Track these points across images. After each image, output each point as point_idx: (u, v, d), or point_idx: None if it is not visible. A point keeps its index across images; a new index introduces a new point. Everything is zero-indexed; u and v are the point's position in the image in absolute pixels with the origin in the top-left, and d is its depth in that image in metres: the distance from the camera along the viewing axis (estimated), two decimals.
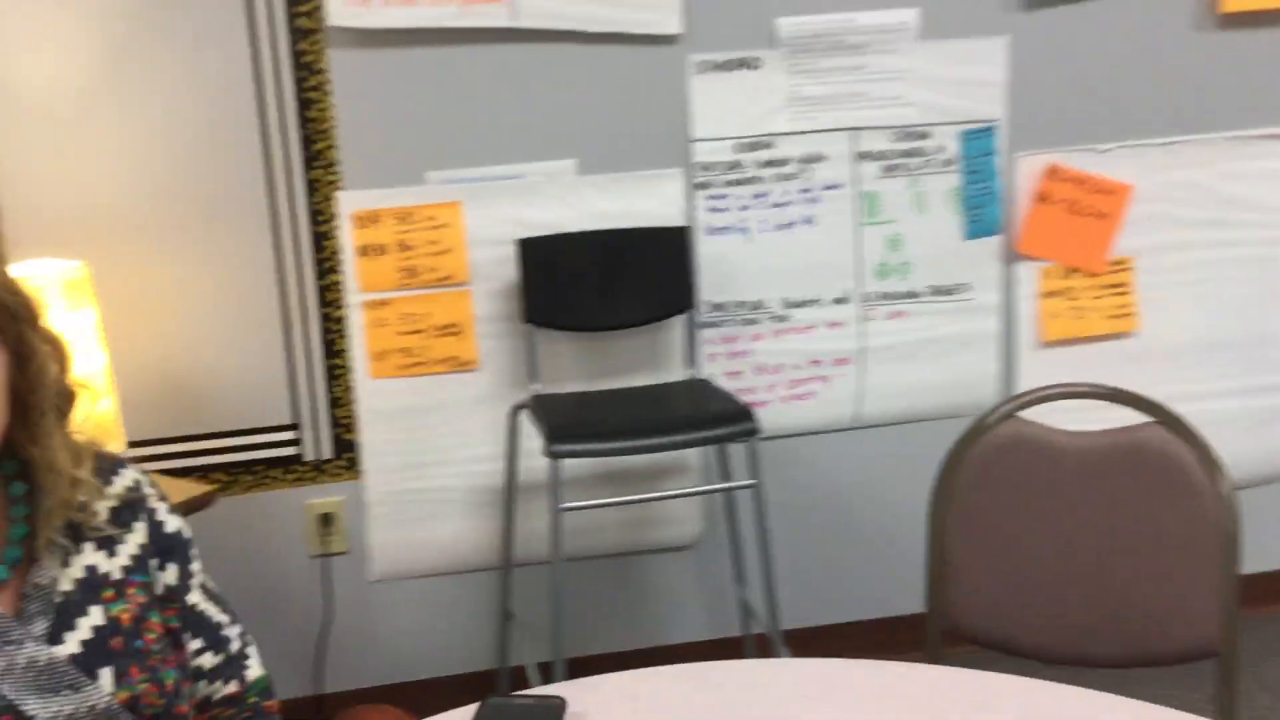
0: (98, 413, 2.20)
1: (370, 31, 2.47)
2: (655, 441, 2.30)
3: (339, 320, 2.58)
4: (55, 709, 1.15)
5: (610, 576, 2.83)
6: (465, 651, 2.77)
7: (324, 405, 2.62)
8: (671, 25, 2.58)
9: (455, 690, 2.68)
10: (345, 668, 2.75)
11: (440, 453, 2.67)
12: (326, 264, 2.56)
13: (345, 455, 2.65)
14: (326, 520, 2.67)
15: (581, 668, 1.44)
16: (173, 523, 1.33)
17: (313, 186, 2.52)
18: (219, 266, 2.51)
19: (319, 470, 2.65)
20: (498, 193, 2.59)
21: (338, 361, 2.60)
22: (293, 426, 2.61)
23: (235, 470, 2.60)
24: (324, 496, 2.66)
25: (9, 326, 1.13)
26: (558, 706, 1.27)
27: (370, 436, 2.64)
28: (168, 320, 2.50)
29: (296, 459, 2.63)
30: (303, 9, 2.45)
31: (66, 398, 1.22)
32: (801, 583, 2.86)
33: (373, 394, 2.62)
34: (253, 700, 1.39)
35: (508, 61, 2.54)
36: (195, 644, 1.33)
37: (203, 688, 1.34)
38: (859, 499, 2.87)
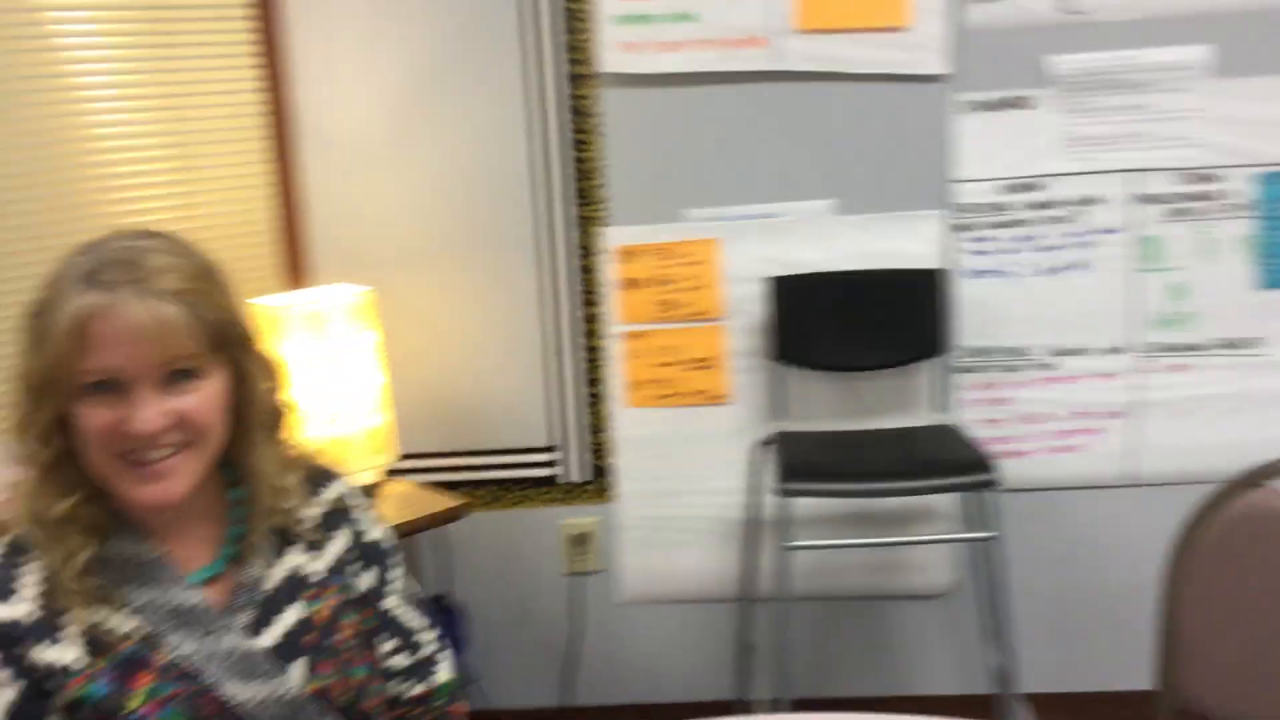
0: (374, 426, 2.41)
1: (639, 75, 2.58)
2: (884, 486, 2.27)
3: (598, 350, 2.70)
4: (250, 694, 1.28)
5: (857, 619, 2.80)
6: (708, 678, 2.82)
7: (581, 431, 2.74)
8: (935, 65, 2.55)
9: (696, 716, 2.73)
10: (594, 683, 2.85)
11: (690, 482, 2.73)
12: (589, 296, 2.68)
13: (600, 479, 2.76)
14: (580, 540, 2.79)
15: (825, 708, 1.41)
16: (375, 532, 1.45)
17: (580, 222, 2.66)
18: (491, 295, 2.68)
19: (574, 492, 2.77)
20: (754, 231, 2.63)
21: (595, 389, 2.72)
22: (551, 449, 2.75)
23: (496, 487, 2.76)
24: (578, 517, 2.78)
25: (228, 350, 1.28)
26: None
27: (624, 462, 2.74)
28: (442, 344, 2.70)
29: (553, 480, 2.77)
30: (578, 56, 2.59)
31: (277, 414, 1.36)
32: (1058, 644, 2.72)
33: (628, 422, 2.72)
34: (439, 702, 1.49)
35: (768, 101, 2.58)
36: (389, 645, 1.45)
37: (392, 686, 1.45)
38: (1123, 559, 2.70)
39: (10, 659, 1.23)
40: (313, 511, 1.40)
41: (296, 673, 1.32)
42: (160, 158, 2.47)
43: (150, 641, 1.26)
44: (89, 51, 2.38)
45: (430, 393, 2.71)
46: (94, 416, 1.20)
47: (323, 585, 1.38)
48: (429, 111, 2.62)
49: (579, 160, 2.63)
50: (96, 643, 1.25)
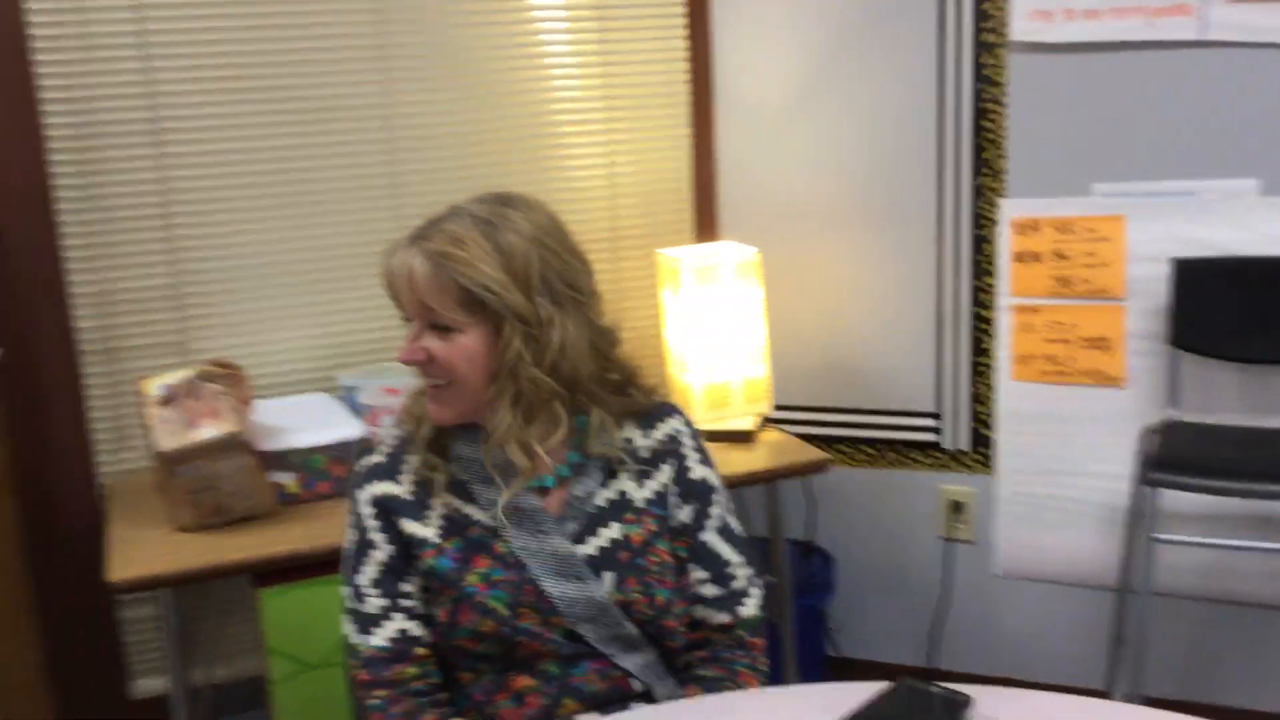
0: (753, 377, 2.57)
1: (1050, 44, 2.53)
2: (1255, 487, 2.12)
3: (988, 321, 2.70)
4: (563, 591, 1.49)
5: (1247, 627, 2.63)
6: (1079, 665, 2.76)
7: (965, 399, 2.76)
8: None
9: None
10: (960, 650, 2.88)
11: (1073, 463, 2.67)
12: (983, 266, 2.68)
13: (980, 449, 2.77)
14: (957, 508, 2.82)
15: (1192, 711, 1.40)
16: (699, 471, 1.61)
17: (978, 192, 2.66)
18: (882, 259, 2.75)
19: (955, 460, 2.80)
20: (1166, 209, 2.51)
21: (983, 360, 2.72)
22: (935, 415, 2.79)
23: (875, 446, 2.85)
24: (958, 485, 2.81)
25: (485, 314, 1.45)
26: (962, 703, 1.34)
27: (1006, 435, 2.73)
28: (827, 303, 2.80)
29: (935, 446, 2.81)
30: (988, 25, 2.58)
31: (598, 358, 1.53)
32: None
33: (1012, 395, 2.70)
34: (741, 633, 1.62)
35: (1189, 71, 2.45)
36: (700, 574, 1.60)
37: (699, 610, 1.61)
38: None
39: (388, 525, 1.53)
40: (645, 444, 1.58)
41: (606, 582, 1.51)
42: (595, 119, 2.75)
43: (492, 532, 1.51)
44: (550, 24, 2.69)
45: (812, 350, 2.83)
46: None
47: (643, 512, 1.55)
48: (839, 78, 2.72)
49: (982, 129, 2.63)
50: (451, 525, 1.52)
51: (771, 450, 2.50)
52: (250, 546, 2.15)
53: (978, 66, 2.61)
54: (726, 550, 1.62)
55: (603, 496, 1.55)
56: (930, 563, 2.86)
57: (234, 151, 2.49)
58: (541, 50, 2.69)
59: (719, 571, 1.61)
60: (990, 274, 2.68)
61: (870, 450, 2.86)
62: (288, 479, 2.28)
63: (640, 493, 1.57)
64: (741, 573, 1.63)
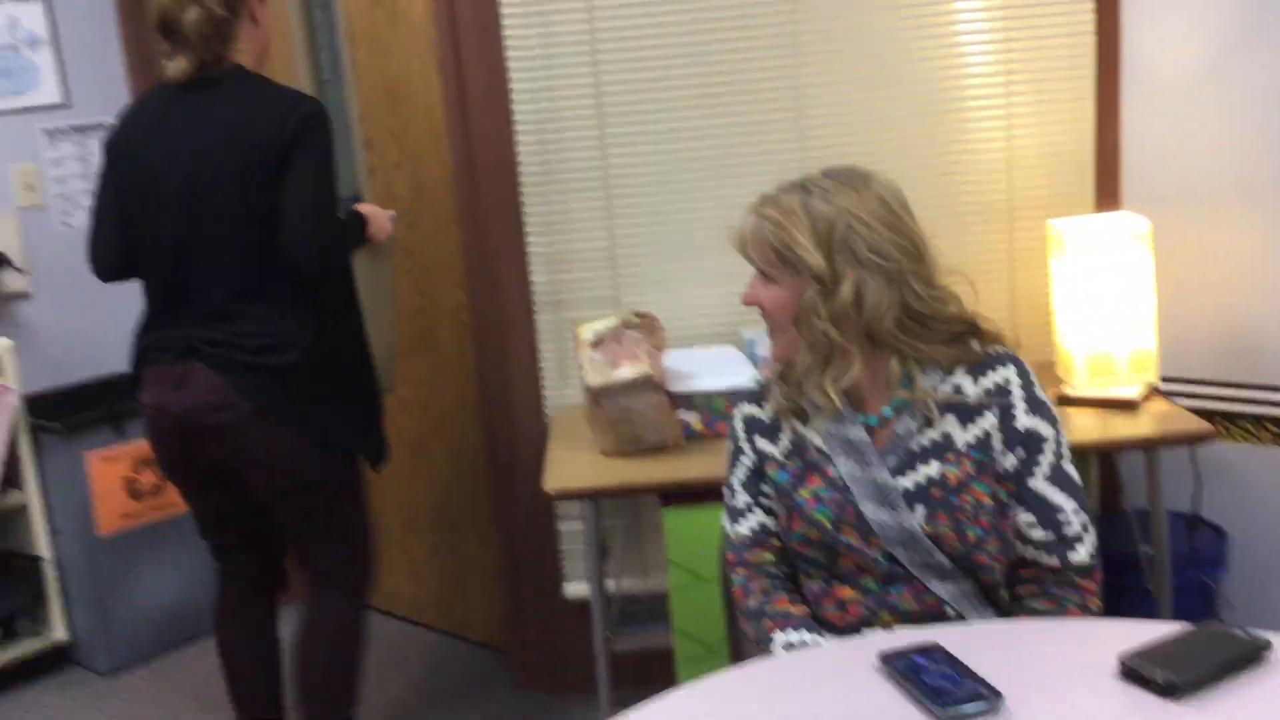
0: (1140, 348, 2.60)
1: None
2: None
3: None
4: (879, 517, 1.72)
5: None
6: None
7: None
8: None
9: None
10: None
11: None
12: None
13: None
14: None
15: None
16: (1027, 420, 1.74)
17: None
18: None
19: None
20: None
21: None
22: None
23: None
24: None
25: (794, 270, 1.70)
26: (1261, 647, 1.41)
27: None
28: (1229, 278, 2.74)
29: None
30: None
31: (914, 316, 1.71)
32: None
33: None
34: (1070, 576, 1.75)
35: None
36: (1027, 518, 1.74)
37: (1029, 551, 1.76)
38: None
39: (750, 441, 1.85)
40: (973, 390, 1.75)
41: (918, 514, 1.71)
42: (995, 93, 2.86)
43: (825, 456, 1.76)
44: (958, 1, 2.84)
45: (1216, 324, 2.78)
46: None
47: (962, 454, 1.73)
48: (1256, 49, 2.65)
49: None
50: (795, 446, 1.80)
51: (1154, 419, 2.53)
52: (659, 472, 2.52)
53: None
54: (1058, 496, 1.74)
55: (926, 436, 1.74)
56: None
57: (662, 133, 2.86)
58: (947, 29, 2.83)
59: (1048, 516, 1.74)
60: None
61: (1275, 428, 2.77)
62: (693, 417, 2.62)
63: (963, 435, 1.74)
64: (1075, 519, 1.74)
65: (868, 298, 1.69)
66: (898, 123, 2.86)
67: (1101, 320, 2.58)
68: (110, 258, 2.43)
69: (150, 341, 2.40)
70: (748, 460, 1.86)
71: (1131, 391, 2.58)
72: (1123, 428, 2.51)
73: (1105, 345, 2.59)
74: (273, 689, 2.68)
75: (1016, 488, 1.75)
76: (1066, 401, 2.58)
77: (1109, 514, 2.96)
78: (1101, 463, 2.97)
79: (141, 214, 2.35)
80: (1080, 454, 2.66)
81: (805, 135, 2.86)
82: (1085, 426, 2.51)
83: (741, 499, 1.87)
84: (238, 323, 2.29)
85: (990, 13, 2.83)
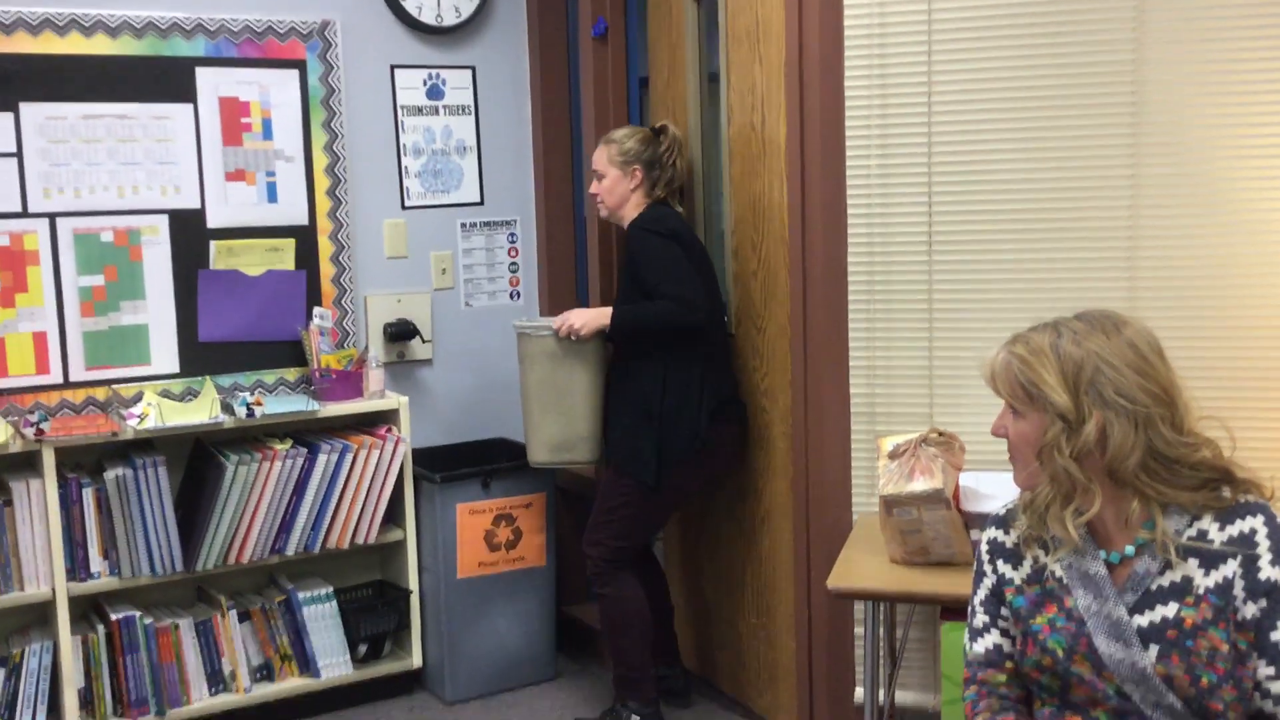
0: None
1: None
2: None
3: None
4: (1111, 652, 1.76)
5: None
6: None
7: None
8: None
9: None
10: None
11: None
12: None
13: None
14: None
15: None
16: (1271, 572, 1.73)
17: None
18: None
19: None
20: None
21: None
22: None
23: None
24: None
25: (1041, 408, 1.78)
26: None
27: None
28: None
29: None
30: None
31: (1160, 459, 1.75)
32: None
33: None
34: None
35: None
36: (1267, 670, 1.73)
37: (1269, 706, 1.74)
38: None
39: (993, 564, 1.94)
40: (1219, 536, 1.76)
41: (1151, 653, 1.73)
42: None
43: (1064, 587, 1.82)
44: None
45: None
46: None
47: (1201, 598, 1.73)
48: None
49: None
50: (1034, 574, 1.87)
51: None
52: (941, 584, 2.60)
53: None
54: None
55: (1166, 578, 1.76)
56: None
57: (987, 262, 2.95)
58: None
59: None
60: None
61: None
62: None
63: (1204, 580, 1.74)
64: None
65: (1112, 439, 1.75)
66: (1238, 267, 2.80)
67: None
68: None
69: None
70: (989, 581, 1.94)
71: None
72: None
73: None
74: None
75: (1257, 638, 1.73)
76: None
77: None
78: None
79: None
80: None
81: (1135, 273, 2.85)
82: None
83: (980, 619, 1.95)
84: None
85: None
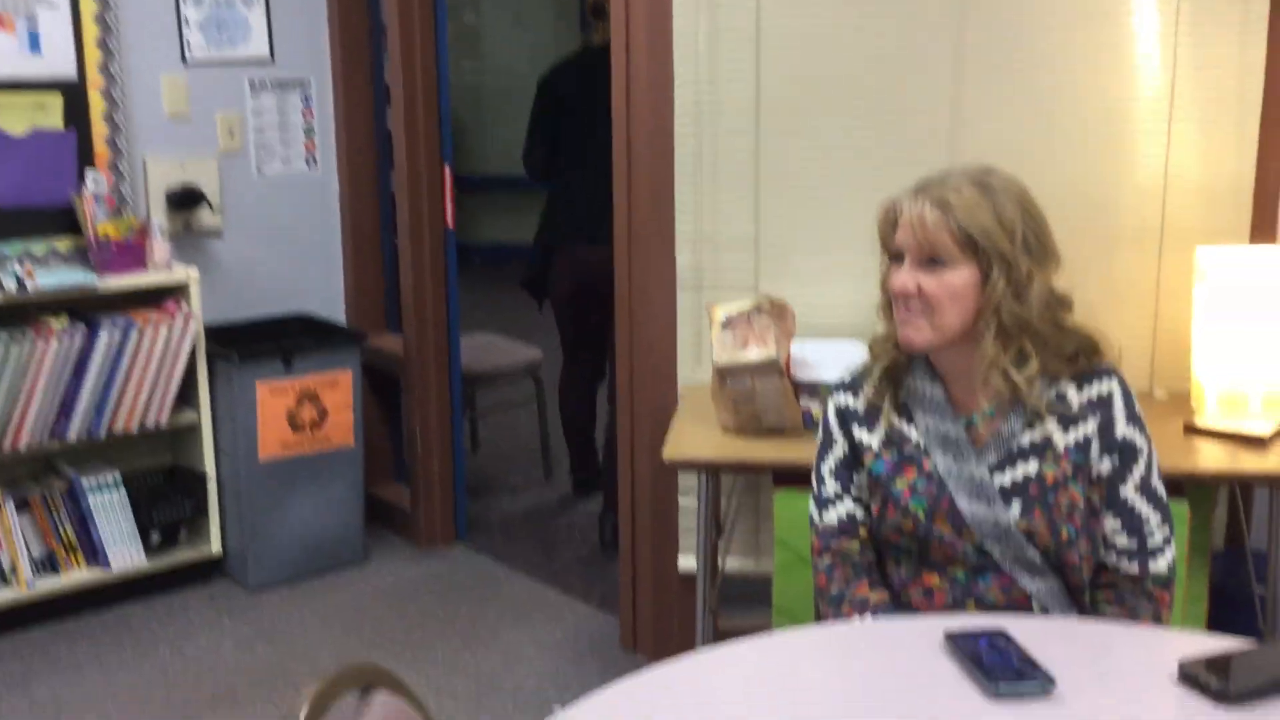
0: (1275, 385, 2.56)
1: None
2: None
3: None
4: (973, 510, 1.78)
5: None
6: None
7: None
8: None
9: None
10: None
11: None
12: None
13: None
14: None
15: None
16: (1125, 429, 1.78)
17: None
18: None
19: None
20: None
21: None
22: None
23: None
24: None
25: (978, 255, 1.71)
26: None
27: None
28: None
29: None
30: None
31: (1062, 327, 1.76)
32: None
33: None
34: (1148, 586, 1.80)
35: None
36: (1113, 524, 1.80)
37: (1110, 557, 1.81)
38: None
39: (844, 430, 1.90)
40: (1076, 398, 1.79)
41: (1014, 509, 1.76)
42: (1158, 119, 2.84)
43: (921, 450, 1.82)
44: (1131, 29, 2.82)
45: None
46: (890, 276, 1.79)
47: (1060, 455, 1.77)
48: None
49: None
50: (890, 439, 1.85)
51: None
52: (775, 453, 2.61)
53: None
54: (1145, 507, 1.79)
55: (1026, 437, 1.79)
56: None
57: (816, 130, 2.93)
58: (1115, 51, 2.82)
59: (1133, 525, 1.79)
60: None
61: None
62: (814, 405, 2.70)
63: (1064, 438, 1.78)
64: (1159, 531, 1.80)
65: (1037, 289, 1.73)
66: (1055, 139, 2.87)
67: (1239, 353, 2.56)
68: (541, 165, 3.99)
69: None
70: (839, 450, 1.91)
71: (1263, 428, 2.55)
72: (1248, 462, 2.48)
73: (1240, 378, 2.56)
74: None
75: (1107, 493, 1.79)
76: (1195, 431, 2.57)
77: (1233, 548, 2.92)
78: (1230, 498, 2.93)
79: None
80: (1207, 483, 2.67)
81: (956, 146, 2.89)
82: (1212, 456, 2.50)
83: (831, 487, 1.91)
84: None
85: (1162, 38, 2.81)
